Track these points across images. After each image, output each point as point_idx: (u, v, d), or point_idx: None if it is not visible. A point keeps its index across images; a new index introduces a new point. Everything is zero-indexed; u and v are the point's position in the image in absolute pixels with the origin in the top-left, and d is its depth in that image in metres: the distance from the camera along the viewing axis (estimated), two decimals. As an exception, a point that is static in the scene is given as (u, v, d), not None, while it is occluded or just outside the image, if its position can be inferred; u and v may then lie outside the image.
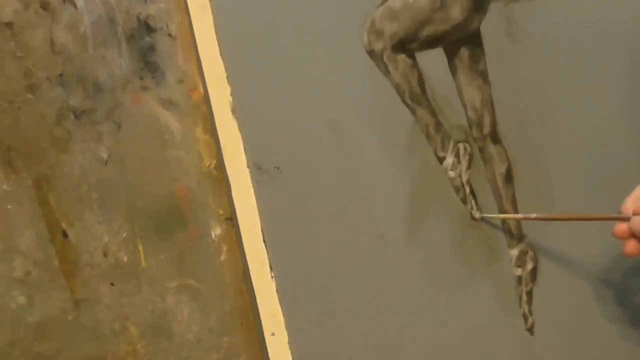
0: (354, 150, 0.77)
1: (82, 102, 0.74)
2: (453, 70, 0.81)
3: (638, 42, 0.87)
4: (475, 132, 0.82)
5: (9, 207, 0.72)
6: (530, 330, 0.83)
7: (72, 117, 0.73)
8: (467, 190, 0.81)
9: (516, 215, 0.82)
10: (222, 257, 0.78)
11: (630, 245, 0.76)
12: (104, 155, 0.74)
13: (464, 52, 0.81)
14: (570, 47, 0.84)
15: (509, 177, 0.83)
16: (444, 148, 0.80)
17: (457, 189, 0.81)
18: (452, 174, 0.81)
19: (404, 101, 0.79)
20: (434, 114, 0.80)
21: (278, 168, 0.75)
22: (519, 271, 0.83)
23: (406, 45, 0.79)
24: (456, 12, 0.80)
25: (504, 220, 0.82)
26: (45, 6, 0.73)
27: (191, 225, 0.77)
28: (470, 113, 0.82)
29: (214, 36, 0.74)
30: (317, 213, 0.76)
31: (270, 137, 0.75)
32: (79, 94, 0.74)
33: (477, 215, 0.81)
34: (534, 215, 0.79)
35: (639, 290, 0.87)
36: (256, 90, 0.75)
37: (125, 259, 0.75)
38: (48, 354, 0.73)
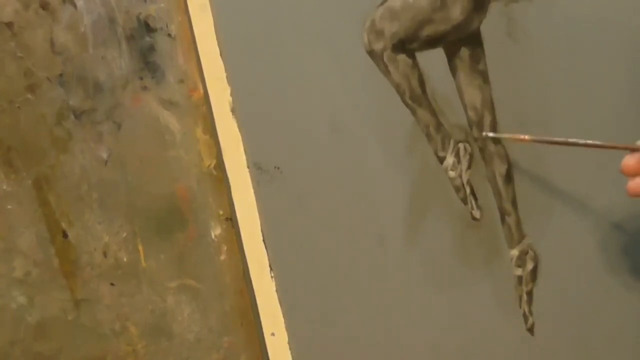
0: (354, 150, 0.77)
1: (82, 102, 0.74)
2: (453, 70, 0.81)
3: (638, 42, 0.87)
4: (475, 132, 0.82)
5: (9, 207, 0.72)
6: (530, 330, 0.83)
7: (72, 117, 0.73)
8: (468, 190, 0.81)
9: (521, 136, 0.77)
10: (222, 257, 0.78)
11: (636, 182, 0.71)
12: (104, 155, 0.74)
13: (464, 52, 0.81)
14: (570, 47, 0.84)
15: (509, 177, 0.83)
16: (444, 148, 0.80)
17: (457, 189, 0.81)
18: (452, 174, 0.81)
19: (404, 101, 0.79)
20: (434, 114, 0.80)
21: (278, 168, 0.75)
22: (519, 271, 0.83)
23: (406, 45, 0.79)
24: (456, 12, 0.80)
25: (503, 217, 0.82)
26: (45, 6, 0.73)
27: (191, 225, 0.77)
28: (471, 113, 0.81)
29: (214, 36, 0.74)
30: (317, 213, 0.76)
31: (270, 137, 0.75)
32: (79, 94, 0.74)
33: (477, 214, 0.81)
34: (545, 138, 0.76)
35: (639, 290, 0.87)
36: (256, 90, 0.75)
37: (125, 259, 0.75)
38: (48, 354, 0.73)
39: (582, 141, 0.74)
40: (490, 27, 0.82)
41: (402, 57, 0.79)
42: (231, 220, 0.77)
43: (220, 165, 0.76)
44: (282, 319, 0.74)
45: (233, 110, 0.74)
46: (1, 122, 0.72)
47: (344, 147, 0.77)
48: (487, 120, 0.82)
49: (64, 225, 0.73)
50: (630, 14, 0.86)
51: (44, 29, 0.73)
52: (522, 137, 0.77)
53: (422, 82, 0.80)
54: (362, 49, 0.78)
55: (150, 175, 0.75)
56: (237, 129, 0.74)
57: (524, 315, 0.83)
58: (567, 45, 0.84)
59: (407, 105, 0.79)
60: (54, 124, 0.73)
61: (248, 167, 0.74)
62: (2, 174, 0.72)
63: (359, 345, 0.77)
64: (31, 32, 0.72)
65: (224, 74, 0.74)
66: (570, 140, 0.75)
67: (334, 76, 0.77)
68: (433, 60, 0.80)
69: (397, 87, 0.79)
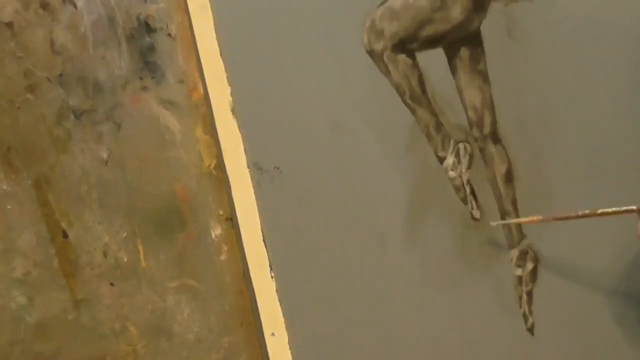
0: (354, 151, 0.77)
1: (82, 102, 0.74)
2: (453, 70, 0.81)
3: (638, 42, 0.87)
4: (475, 132, 0.82)
5: (9, 207, 0.72)
6: (530, 330, 0.83)
7: (72, 117, 0.73)
8: (468, 190, 0.81)
9: (533, 218, 0.80)
10: (222, 257, 0.78)
11: None
12: (104, 155, 0.74)
13: (464, 52, 0.81)
14: (570, 47, 0.84)
15: (509, 177, 0.83)
16: (444, 148, 0.80)
17: (457, 189, 0.81)
18: (452, 174, 0.81)
19: (404, 101, 0.79)
20: (434, 114, 0.80)
21: (278, 168, 0.75)
22: (519, 271, 0.83)
23: (406, 45, 0.79)
24: (456, 12, 0.80)
25: (503, 217, 0.82)
26: (45, 6, 0.72)
27: (191, 225, 0.77)
28: (471, 113, 0.81)
29: (214, 36, 0.74)
30: (317, 213, 0.76)
31: (270, 137, 0.75)
32: (79, 94, 0.74)
33: (477, 214, 0.81)
34: (539, 218, 0.79)
35: (639, 290, 0.87)
36: (256, 90, 0.75)
37: (125, 259, 0.75)
38: (48, 354, 0.73)
39: (594, 211, 0.75)
40: (490, 27, 0.82)
41: (402, 57, 0.79)
42: (231, 220, 0.77)
43: (220, 165, 0.76)
44: (282, 319, 0.74)
45: (233, 110, 0.74)
46: (1, 122, 0.72)
47: (343, 147, 0.77)
48: (487, 120, 0.82)
49: (64, 225, 0.73)
50: (629, 14, 0.86)
51: (44, 29, 0.73)
52: (533, 218, 0.80)
53: (422, 82, 0.80)
54: (362, 49, 0.78)
55: (150, 175, 0.75)
56: (237, 129, 0.74)
57: (524, 315, 0.83)
58: (567, 45, 0.84)
59: (407, 105, 0.79)
60: (53, 124, 0.73)
61: (248, 167, 0.74)
62: (2, 174, 0.72)
63: (359, 345, 0.77)
64: (31, 32, 0.72)
65: (224, 74, 0.74)
66: (581, 212, 0.76)
67: (334, 76, 0.77)
68: (433, 60, 0.80)
69: (397, 87, 0.79)
